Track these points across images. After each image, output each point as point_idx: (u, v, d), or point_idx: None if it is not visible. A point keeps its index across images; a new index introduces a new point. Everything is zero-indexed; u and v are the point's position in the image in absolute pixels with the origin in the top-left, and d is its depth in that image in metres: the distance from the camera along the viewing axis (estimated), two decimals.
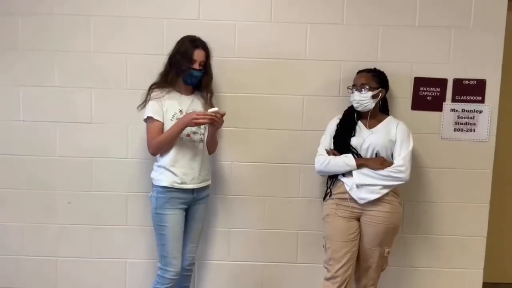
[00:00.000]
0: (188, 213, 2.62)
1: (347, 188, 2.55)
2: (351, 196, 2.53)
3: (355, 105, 2.59)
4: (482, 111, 2.83)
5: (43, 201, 2.89)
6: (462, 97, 2.82)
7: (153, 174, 2.59)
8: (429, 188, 2.87)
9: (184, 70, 2.50)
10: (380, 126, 2.59)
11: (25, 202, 2.90)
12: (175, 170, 2.51)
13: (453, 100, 2.83)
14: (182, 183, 2.52)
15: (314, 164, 2.61)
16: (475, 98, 2.82)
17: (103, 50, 2.81)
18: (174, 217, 2.53)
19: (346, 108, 2.68)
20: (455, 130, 2.84)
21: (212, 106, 2.56)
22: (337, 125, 2.64)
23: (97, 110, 2.84)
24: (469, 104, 2.82)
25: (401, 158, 2.50)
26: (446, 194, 2.89)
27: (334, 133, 2.63)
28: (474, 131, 2.84)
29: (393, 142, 2.54)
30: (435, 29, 2.79)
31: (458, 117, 2.83)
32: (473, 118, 2.83)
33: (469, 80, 2.81)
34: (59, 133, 2.85)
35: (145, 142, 2.56)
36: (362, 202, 2.51)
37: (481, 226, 2.89)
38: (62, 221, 2.91)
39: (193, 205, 2.62)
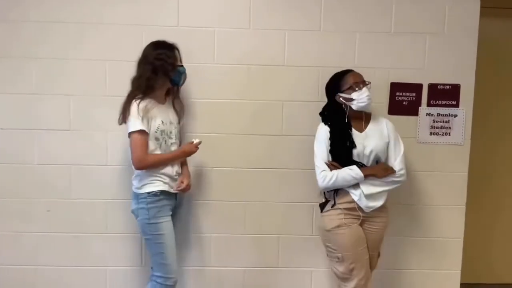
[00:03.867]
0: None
1: (355, 198, 2.47)
2: (358, 205, 2.48)
3: (363, 104, 2.46)
4: (457, 115, 2.89)
5: (22, 210, 2.86)
6: (437, 102, 2.88)
7: (140, 184, 2.51)
8: (406, 191, 2.90)
9: (171, 70, 2.50)
10: (371, 127, 2.54)
11: (3, 210, 2.86)
12: (163, 177, 2.52)
13: (429, 104, 2.88)
14: (170, 187, 2.55)
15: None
16: (450, 102, 2.88)
17: (82, 57, 2.80)
18: (168, 224, 2.53)
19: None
20: (431, 134, 2.90)
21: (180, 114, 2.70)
22: (330, 133, 2.51)
23: (76, 117, 2.83)
24: (444, 108, 2.88)
25: (399, 162, 2.50)
26: (423, 197, 2.94)
27: (329, 144, 2.50)
28: (449, 135, 2.90)
29: (387, 143, 2.53)
30: (410, 35, 2.84)
31: (434, 121, 2.89)
32: (448, 122, 2.89)
33: (443, 85, 2.87)
34: (37, 140, 2.83)
35: (124, 148, 2.54)
36: (369, 210, 2.48)
37: (458, 228, 2.95)
38: (41, 229, 2.88)
39: (174, 210, 2.64)
